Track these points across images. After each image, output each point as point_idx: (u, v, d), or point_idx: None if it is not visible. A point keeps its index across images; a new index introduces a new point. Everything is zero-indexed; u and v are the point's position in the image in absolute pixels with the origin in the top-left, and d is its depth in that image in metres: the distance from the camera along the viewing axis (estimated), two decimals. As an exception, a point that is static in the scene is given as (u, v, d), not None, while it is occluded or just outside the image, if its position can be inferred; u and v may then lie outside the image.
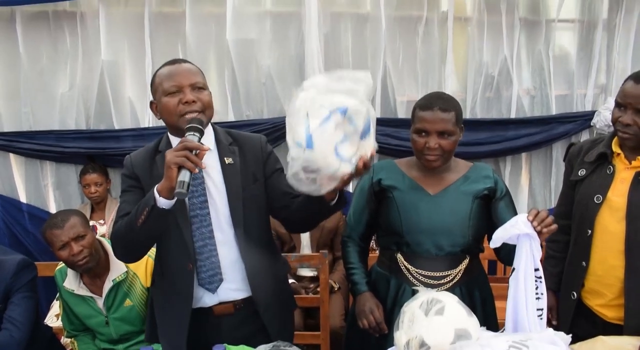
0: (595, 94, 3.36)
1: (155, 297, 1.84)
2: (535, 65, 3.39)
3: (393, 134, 3.31)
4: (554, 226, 1.54)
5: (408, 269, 1.85)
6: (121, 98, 3.33)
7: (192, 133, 1.51)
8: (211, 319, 1.75)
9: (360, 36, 3.34)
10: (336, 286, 3.04)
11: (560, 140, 3.42)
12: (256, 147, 1.81)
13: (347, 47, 3.34)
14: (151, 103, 1.74)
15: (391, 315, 1.82)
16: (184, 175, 1.43)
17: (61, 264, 2.24)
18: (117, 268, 2.15)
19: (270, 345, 1.43)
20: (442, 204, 1.84)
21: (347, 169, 1.41)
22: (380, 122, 3.30)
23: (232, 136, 1.80)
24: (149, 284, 2.17)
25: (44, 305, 3.00)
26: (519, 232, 1.51)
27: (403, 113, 3.39)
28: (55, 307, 2.90)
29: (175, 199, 1.49)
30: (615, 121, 1.82)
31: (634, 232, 1.80)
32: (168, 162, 1.45)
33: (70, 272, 2.18)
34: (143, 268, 2.18)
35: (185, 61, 1.72)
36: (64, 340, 2.55)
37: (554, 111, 3.39)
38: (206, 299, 1.73)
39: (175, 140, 1.70)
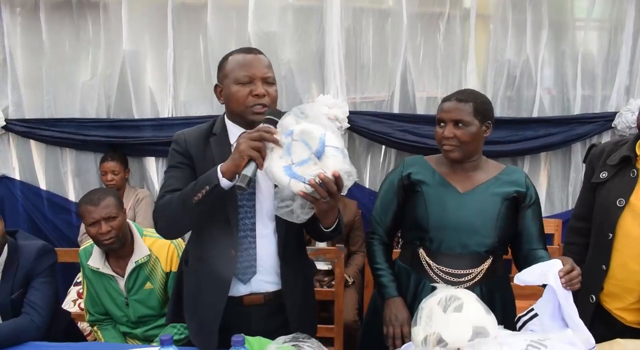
0: (618, 95, 3.31)
1: (190, 279, 1.83)
2: (558, 65, 3.35)
3: (412, 130, 3.30)
4: (578, 286, 1.54)
5: (429, 265, 1.85)
6: (142, 88, 3.36)
7: (268, 125, 1.51)
8: (241, 308, 1.75)
9: (381, 32, 3.32)
10: (350, 280, 3.05)
11: (580, 142, 3.38)
12: None
13: (367, 43, 3.33)
14: (216, 86, 1.74)
15: (411, 310, 1.83)
16: (250, 169, 1.45)
17: (86, 244, 2.29)
18: (141, 251, 2.19)
19: (290, 336, 1.44)
20: (470, 202, 1.84)
21: (298, 186, 1.45)
22: (399, 118, 3.34)
23: None
24: (169, 269, 2.22)
25: (62, 290, 3.03)
26: (547, 282, 1.51)
27: (422, 109, 3.38)
28: (73, 292, 2.95)
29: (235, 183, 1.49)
30: (639, 126, 1.80)
31: None
32: (242, 151, 1.46)
33: (95, 251, 2.22)
34: (165, 253, 2.22)
35: (259, 52, 1.72)
36: (82, 325, 2.59)
37: (575, 112, 3.35)
38: (239, 288, 1.74)
39: (232, 127, 1.72)
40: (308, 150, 1.46)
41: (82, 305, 2.78)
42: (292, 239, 1.78)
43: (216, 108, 3.37)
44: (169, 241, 2.23)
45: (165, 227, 1.71)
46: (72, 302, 2.90)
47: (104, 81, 3.34)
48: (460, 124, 1.79)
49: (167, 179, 1.73)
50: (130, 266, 2.18)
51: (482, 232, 1.82)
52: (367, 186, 3.50)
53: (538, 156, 3.43)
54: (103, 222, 2.10)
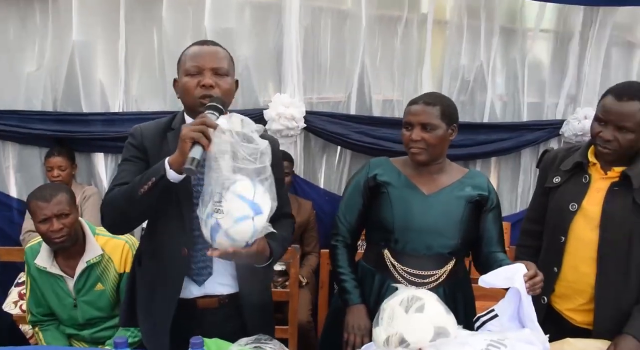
0: (565, 103, 3.44)
1: (141, 279, 1.78)
2: (509, 72, 3.46)
3: (368, 132, 3.33)
4: (539, 291, 1.59)
5: (394, 266, 1.86)
6: (91, 81, 3.22)
7: (211, 112, 1.48)
8: (194, 311, 1.71)
9: (339, 32, 3.32)
10: (304, 281, 3.03)
11: (529, 147, 3.50)
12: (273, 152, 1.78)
13: (325, 43, 3.32)
14: (174, 81, 1.70)
15: (374, 310, 1.81)
16: (196, 152, 1.40)
17: (32, 242, 2.19)
18: (93, 250, 2.11)
19: (252, 338, 1.41)
20: (435, 204, 1.86)
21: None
22: (356, 119, 3.35)
23: None
24: (122, 270, 2.15)
25: (0, 291, 2.89)
26: (513, 286, 1.53)
27: (378, 111, 3.41)
28: (14, 293, 2.80)
29: (184, 175, 1.46)
30: (595, 135, 1.86)
31: (606, 240, 1.85)
32: (183, 136, 1.42)
33: (44, 249, 2.12)
34: (119, 253, 2.15)
35: (215, 44, 1.69)
36: (23, 328, 2.46)
37: (524, 118, 3.46)
38: (192, 290, 1.70)
39: (189, 120, 1.66)
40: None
41: (25, 307, 2.66)
42: None
43: (170, 104, 3.29)
44: (123, 241, 2.15)
45: (112, 220, 1.65)
46: (12, 304, 2.75)
47: (50, 73, 3.18)
48: (428, 128, 1.80)
49: (119, 173, 1.68)
50: (81, 266, 2.09)
51: (446, 233, 1.84)
52: (321, 186, 3.50)
53: (488, 160, 3.53)
54: (55, 219, 2.01)
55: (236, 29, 3.23)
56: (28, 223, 3.14)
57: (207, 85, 1.59)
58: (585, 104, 3.38)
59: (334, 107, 3.41)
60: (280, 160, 1.86)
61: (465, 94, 3.43)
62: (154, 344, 1.74)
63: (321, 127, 3.29)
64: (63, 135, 3.22)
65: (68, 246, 2.07)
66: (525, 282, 1.55)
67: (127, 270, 2.14)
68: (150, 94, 3.31)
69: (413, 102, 1.87)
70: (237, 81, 1.73)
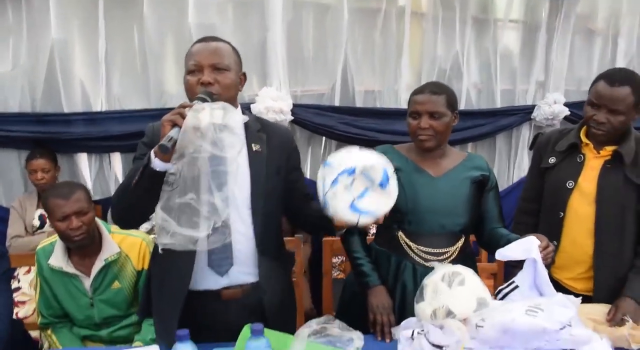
0: (535, 89, 3.64)
1: (154, 274, 1.79)
2: (483, 60, 3.62)
3: (353, 123, 3.41)
4: (550, 260, 1.71)
5: (409, 246, 1.93)
6: (72, 80, 3.15)
7: (197, 101, 1.49)
8: (218, 304, 1.72)
9: (321, 26, 3.38)
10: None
11: (503, 132, 3.68)
12: (284, 139, 1.83)
13: (308, 36, 3.37)
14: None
15: (392, 291, 1.93)
16: (173, 132, 1.42)
17: (44, 243, 2.15)
18: (110, 248, 2.10)
19: (319, 321, 1.46)
20: (443, 186, 1.95)
21: (367, 220, 1.56)
22: (339, 110, 3.42)
23: (261, 123, 1.80)
24: (141, 267, 2.14)
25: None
26: (530, 257, 1.64)
27: (361, 102, 3.49)
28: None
29: (171, 164, 1.45)
30: (589, 118, 2.01)
31: (602, 214, 2.02)
32: (163, 120, 1.45)
33: (58, 249, 2.09)
34: (136, 250, 2.14)
35: (215, 39, 1.69)
36: (34, 334, 2.41)
37: (498, 105, 3.64)
38: (217, 280, 1.70)
39: None
40: (368, 182, 1.53)
41: (20, 314, 2.60)
42: (271, 232, 1.78)
43: (153, 101, 3.27)
44: (140, 238, 2.15)
45: (117, 215, 1.68)
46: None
47: (27, 72, 3.09)
48: (435, 116, 1.89)
49: (129, 171, 1.67)
50: (99, 264, 2.07)
51: (456, 212, 1.94)
52: (307, 177, 3.56)
53: (466, 145, 3.68)
54: (74, 216, 1.99)
55: (219, 25, 3.22)
56: (13, 229, 3.06)
57: (205, 82, 1.59)
58: (554, 90, 3.59)
59: (318, 99, 3.47)
60: (296, 150, 1.90)
61: (442, 82, 3.56)
62: (162, 333, 1.74)
63: (307, 119, 3.35)
64: (44, 136, 3.14)
65: (87, 244, 2.05)
66: (540, 252, 1.66)
67: (146, 267, 2.13)
68: (133, 92, 3.27)
69: (418, 92, 1.94)
70: (244, 74, 1.75)
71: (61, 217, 2.00)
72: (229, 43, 1.71)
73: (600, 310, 1.91)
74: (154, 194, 1.49)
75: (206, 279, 1.70)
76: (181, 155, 1.44)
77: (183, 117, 1.43)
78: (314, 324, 1.45)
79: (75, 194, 2.02)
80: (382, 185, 1.55)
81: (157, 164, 1.46)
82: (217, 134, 1.43)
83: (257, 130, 1.76)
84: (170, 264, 1.68)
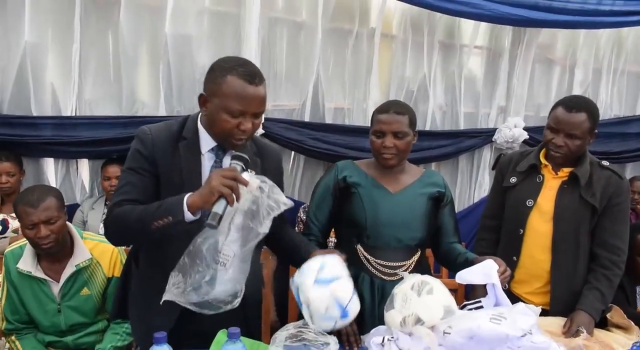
0: (496, 113, 3.81)
1: (141, 283, 1.78)
2: (448, 84, 3.76)
3: (322, 138, 3.48)
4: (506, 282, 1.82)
5: (367, 259, 2.01)
6: (42, 83, 3.10)
7: (237, 162, 1.51)
8: (194, 314, 1.68)
9: (295, 43, 3.46)
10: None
11: (466, 153, 3.83)
12: (276, 165, 1.88)
13: (281, 53, 3.44)
14: (201, 95, 1.63)
15: None
16: (220, 207, 1.42)
17: (13, 246, 2.12)
18: (82, 254, 2.08)
19: (295, 325, 1.51)
20: (401, 201, 2.04)
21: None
22: (309, 126, 3.49)
23: (256, 145, 1.81)
24: (111, 274, 2.13)
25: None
26: (489, 281, 1.73)
27: (330, 118, 3.58)
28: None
29: (198, 215, 1.47)
30: (548, 142, 2.14)
31: (559, 231, 2.15)
32: (213, 188, 1.42)
33: (27, 252, 2.07)
34: (108, 257, 2.13)
35: (261, 82, 1.59)
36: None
37: (462, 126, 3.78)
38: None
39: (205, 134, 1.67)
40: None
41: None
42: (255, 252, 1.77)
43: (125, 109, 3.26)
44: (112, 245, 2.14)
45: (117, 238, 1.68)
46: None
47: (-4, 73, 3.05)
48: (399, 135, 1.97)
49: (125, 183, 1.65)
50: (70, 270, 2.06)
51: (413, 227, 2.03)
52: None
53: (429, 165, 3.81)
54: (42, 225, 1.96)
55: (195, 36, 3.26)
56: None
57: (247, 131, 1.58)
58: (514, 114, 3.76)
59: (288, 114, 3.53)
60: (282, 174, 1.96)
61: (409, 103, 3.63)
62: (143, 337, 1.73)
63: (278, 133, 3.40)
64: (10, 138, 3.07)
65: (55, 251, 2.03)
66: (499, 277, 1.74)
67: (116, 274, 2.13)
68: (105, 99, 3.24)
69: (382, 111, 2.00)
70: None
71: (29, 225, 1.97)
72: (264, 81, 1.64)
73: (556, 322, 2.02)
74: (171, 234, 1.54)
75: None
76: (238, 238, 1.54)
77: (235, 193, 1.43)
78: (291, 327, 1.49)
79: (44, 201, 1.98)
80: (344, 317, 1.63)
81: (189, 217, 1.47)
82: (264, 212, 1.49)
83: (253, 153, 1.76)
84: (162, 283, 1.63)
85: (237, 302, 1.56)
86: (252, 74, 1.57)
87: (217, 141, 1.66)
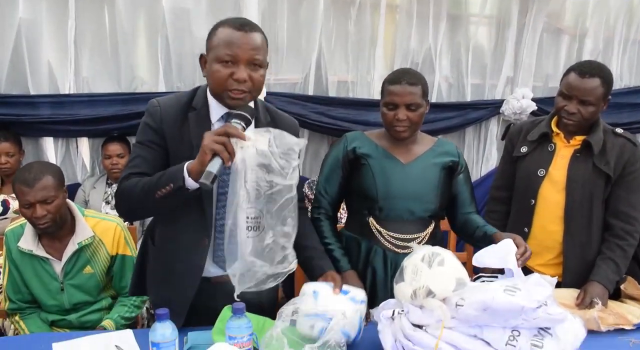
0: (504, 84, 3.72)
1: (157, 259, 1.74)
2: (454, 55, 3.67)
3: (326, 112, 3.42)
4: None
5: (380, 232, 1.96)
6: (39, 61, 3.05)
7: (237, 121, 1.44)
8: (208, 286, 1.70)
9: (296, 15, 3.36)
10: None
11: (472, 125, 3.75)
12: (293, 133, 1.77)
13: (282, 25, 3.35)
14: (201, 56, 1.61)
15: (363, 276, 1.96)
16: (214, 165, 1.36)
17: (14, 225, 2.08)
18: (84, 232, 2.04)
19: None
20: (413, 172, 1.97)
21: None
22: (313, 100, 3.42)
23: (270, 115, 1.74)
24: (115, 252, 2.09)
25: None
26: (506, 266, 1.64)
27: (334, 92, 3.50)
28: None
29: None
30: (560, 109, 2.07)
31: (571, 201, 2.09)
32: (204, 146, 1.37)
33: (28, 231, 2.03)
34: (111, 235, 2.09)
35: (253, 29, 1.54)
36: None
37: (468, 98, 3.70)
38: (211, 270, 1.70)
39: (215, 103, 1.61)
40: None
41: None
42: None
43: (124, 85, 3.20)
44: (114, 223, 2.10)
45: (126, 211, 1.66)
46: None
47: (-9, 52, 2.99)
48: (412, 107, 1.88)
49: (134, 157, 1.61)
50: (72, 248, 2.02)
51: (426, 198, 1.96)
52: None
53: (436, 137, 3.72)
54: (38, 204, 1.91)
55: (193, 9, 3.18)
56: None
57: (240, 80, 1.50)
58: (522, 85, 3.67)
59: (290, 88, 3.46)
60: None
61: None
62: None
63: (281, 107, 3.21)
64: (8, 118, 3.03)
65: (52, 231, 1.99)
66: (518, 259, 1.65)
67: (120, 252, 2.10)
68: (102, 75, 3.19)
69: (394, 82, 1.90)
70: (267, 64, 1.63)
71: (25, 204, 1.93)
72: (263, 33, 1.59)
73: (569, 294, 1.98)
74: (177, 205, 1.52)
75: (213, 269, 1.70)
76: (258, 195, 1.42)
77: (228, 150, 1.36)
78: (297, 301, 1.45)
79: (41, 181, 1.91)
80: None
81: (190, 184, 1.43)
82: (280, 162, 1.40)
83: (267, 123, 1.69)
84: (179, 257, 1.66)
85: (289, 268, 1.48)
86: (241, 22, 1.55)
87: (220, 101, 1.59)
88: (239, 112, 1.47)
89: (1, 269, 2.29)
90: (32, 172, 1.94)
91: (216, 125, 1.61)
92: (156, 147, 1.60)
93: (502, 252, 1.68)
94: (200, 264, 1.66)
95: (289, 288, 3.04)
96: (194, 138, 1.55)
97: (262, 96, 3.21)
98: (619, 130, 2.13)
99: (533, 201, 2.15)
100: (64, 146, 3.23)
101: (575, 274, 2.09)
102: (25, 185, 1.91)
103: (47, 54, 3.07)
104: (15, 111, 3.02)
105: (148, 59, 3.22)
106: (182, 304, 1.66)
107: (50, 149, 3.23)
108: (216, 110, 1.61)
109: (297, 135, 1.76)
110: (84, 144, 3.30)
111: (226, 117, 1.59)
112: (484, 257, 1.69)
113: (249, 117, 1.47)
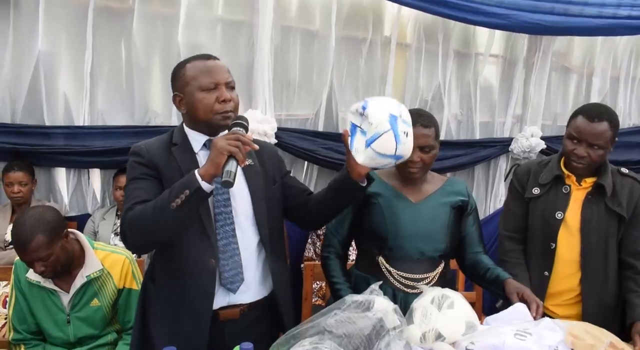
0: (512, 122, 3.75)
1: (160, 299, 1.73)
2: (463, 93, 3.71)
3: (335, 148, 3.43)
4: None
5: (389, 271, 1.94)
6: (55, 93, 3.10)
7: (239, 128, 1.54)
8: (215, 324, 1.67)
9: (308, 52, 3.43)
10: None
11: (482, 163, 3.76)
12: (272, 152, 1.88)
13: (295, 61, 3.42)
14: (175, 96, 1.69)
15: None
16: (232, 165, 1.46)
17: None
18: (93, 264, 2.04)
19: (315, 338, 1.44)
20: (423, 211, 1.97)
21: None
22: (324, 136, 3.45)
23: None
24: (122, 285, 2.09)
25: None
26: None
27: (344, 128, 3.51)
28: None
29: (214, 185, 1.51)
30: (569, 152, 2.08)
31: (587, 243, 2.09)
32: (220, 149, 1.46)
33: None
34: (119, 268, 2.08)
35: (217, 58, 1.72)
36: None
37: (477, 136, 3.72)
38: (217, 301, 1.68)
39: (195, 135, 1.70)
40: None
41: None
42: (277, 242, 1.80)
43: (137, 118, 3.24)
44: (123, 256, 2.10)
45: (139, 239, 1.59)
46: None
47: (10, 82, 3.02)
48: (426, 149, 1.90)
49: (131, 192, 1.64)
50: (80, 281, 2.02)
51: (436, 238, 1.95)
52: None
53: (446, 176, 3.75)
54: (36, 262, 1.92)
55: (208, 45, 3.24)
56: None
57: (227, 100, 1.63)
58: (531, 123, 3.70)
59: (301, 124, 3.50)
60: (282, 159, 1.95)
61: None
62: None
63: (290, 143, 3.36)
64: (23, 148, 3.06)
65: (58, 275, 2.00)
66: (534, 318, 1.62)
67: (127, 285, 2.10)
68: (117, 108, 3.23)
69: None
70: None
71: (25, 262, 1.95)
72: None
73: (581, 327, 1.94)
74: (192, 215, 1.57)
75: (220, 297, 1.69)
76: None
77: (242, 152, 1.47)
78: (307, 343, 1.43)
79: (31, 243, 1.88)
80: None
81: (206, 187, 1.49)
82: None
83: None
84: (187, 288, 1.66)
85: None
86: (206, 54, 1.73)
87: (205, 129, 1.68)
88: (238, 121, 1.58)
89: (7, 299, 2.29)
90: (23, 234, 1.90)
91: (200, 154, 1.70)
92: (151, 178, 1.66)
93: (514, 315, 1.65)
94: (210, 290, 1.65)
95: (298, 288, 2.99)
96: (182, 166, 1.64)
97: (272, 131, 3.25)
98: (624, 170, 2.15)
99: (553, 245, 2.14)
100: (75, 177, 3.25)
101: (593, 314, 2.07)
102: (19, 247, 1.92)
103: (64, 86, 3.12)
104: (29, 141, 3.06)
105: (162, 93, 3.27)
106: (198, 335, 1.64)
107: (62, 179, 3.25)
108: (196, 140, 1.71)
109: (276, 153, 1.92)
110: (95, 175, 3.33)
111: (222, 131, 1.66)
112: (498, 322, 1.65)
113: (246, 124, 1.58)
